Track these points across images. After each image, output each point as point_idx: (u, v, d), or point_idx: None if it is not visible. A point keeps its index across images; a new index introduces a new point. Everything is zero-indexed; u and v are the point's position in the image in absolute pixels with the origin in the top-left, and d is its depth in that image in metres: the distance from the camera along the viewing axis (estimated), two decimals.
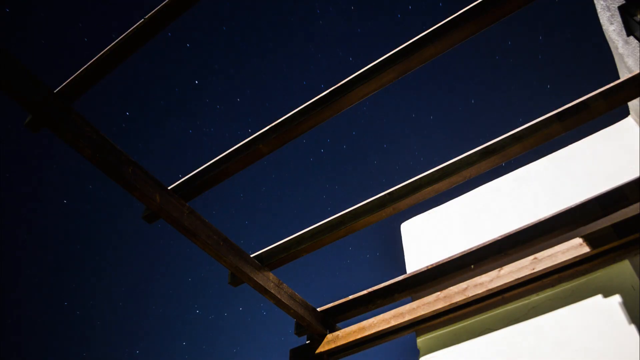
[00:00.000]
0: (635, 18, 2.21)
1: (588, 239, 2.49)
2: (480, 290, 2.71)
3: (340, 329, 3.30)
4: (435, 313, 2.85)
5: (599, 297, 2.45)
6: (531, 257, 2.64)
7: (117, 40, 2.16)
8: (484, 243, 2.85)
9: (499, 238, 2.81)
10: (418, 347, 2.99)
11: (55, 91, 2.16)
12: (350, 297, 3.30)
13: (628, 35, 2.35)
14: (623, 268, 2.46)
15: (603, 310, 2.39)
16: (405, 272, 3.51)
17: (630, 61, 2.72)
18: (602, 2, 2.95)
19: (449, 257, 2.97)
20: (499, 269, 2.73)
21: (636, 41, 2.62)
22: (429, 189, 2.72)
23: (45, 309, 13.29)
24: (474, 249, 2.87)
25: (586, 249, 2.47)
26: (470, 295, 2.73)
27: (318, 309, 3.37)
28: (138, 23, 2.13)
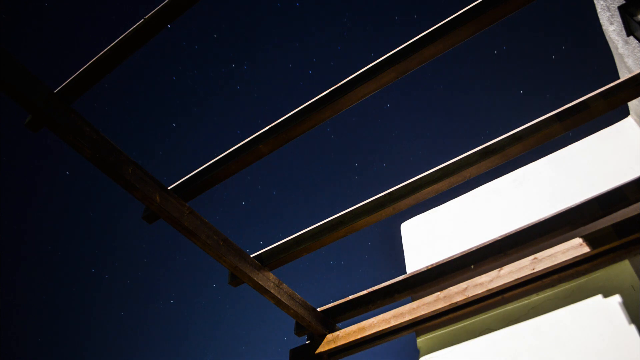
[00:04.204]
0: (635, 18, 2.21)
1: (588, 239, 2.49)
2: (480, 290, 2.71)
3: (340, 329, 3.30)
4: (435, 313, 2.85)
5: (599, 297, 2.45)
6: (531, 257, 2.64)
7: (117, 40, 2.16)
8: (484, 243, 2.85)
9: (499, 238, 2.81)
10: (418, 347, 2.99)
11: (55, 91, 2.16)
12: (350, 297, 3.30)
13: (628, 35, 2.35)
14: (623, 268, 2.46)
15: (603, 310, 2.39)
16: (405, 272, 3.51)
17: (630, 61, 2.72)
18: (602, 2, 2.95)
19: (449, 257, 2.97)
20: (499, 269, 2.73)
21: (636, 41, 2.62)
22: (429, 189, 2.72)
23: (75, 277, 13.76)
24: (474, 249, 2.87)
25: (586, 249, 2.47)
26: (470, 295, 2.73)
27: (318, 309, 3.37)
28: (138, 23, 2.13)
